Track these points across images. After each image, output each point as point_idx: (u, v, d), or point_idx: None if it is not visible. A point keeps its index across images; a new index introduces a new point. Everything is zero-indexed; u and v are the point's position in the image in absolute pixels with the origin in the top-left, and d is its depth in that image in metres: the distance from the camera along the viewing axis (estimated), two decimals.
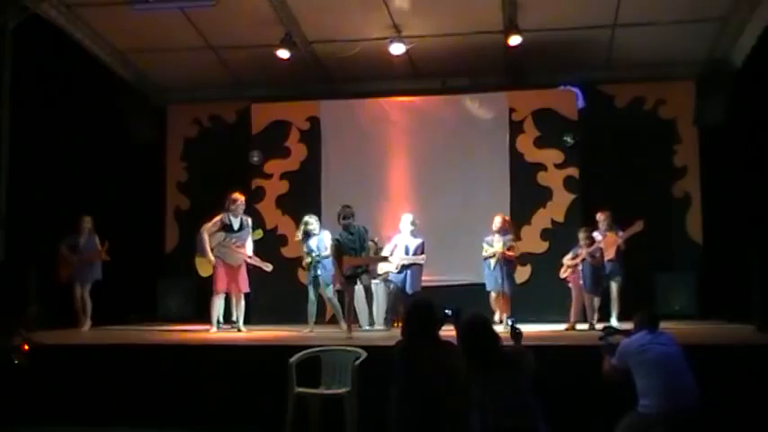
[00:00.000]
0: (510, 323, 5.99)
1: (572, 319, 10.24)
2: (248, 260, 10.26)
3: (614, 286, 10.17)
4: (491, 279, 10.36)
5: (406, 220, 10.57)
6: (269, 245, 11.75)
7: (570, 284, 10.37)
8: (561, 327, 10.23)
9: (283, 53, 11.53)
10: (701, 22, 11.19)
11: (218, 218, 10.24)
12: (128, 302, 11.99)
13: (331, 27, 11.45)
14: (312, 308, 10.35)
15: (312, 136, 12.80)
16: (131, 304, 12.14)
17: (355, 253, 9.82)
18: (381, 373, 5.47)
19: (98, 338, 9.71)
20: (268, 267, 10.41)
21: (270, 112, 12.96)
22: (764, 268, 8.85)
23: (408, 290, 10.16)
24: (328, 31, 11.61)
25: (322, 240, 10.34)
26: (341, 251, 9.77)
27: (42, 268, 10.51)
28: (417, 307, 5.44)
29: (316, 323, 10.35)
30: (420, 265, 10.37)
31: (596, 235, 10.20)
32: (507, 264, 10.27)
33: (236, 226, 10.23)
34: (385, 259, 10.31)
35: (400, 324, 10.19)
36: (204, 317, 10.51)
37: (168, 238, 13.38)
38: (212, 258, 10.06)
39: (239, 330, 10.15)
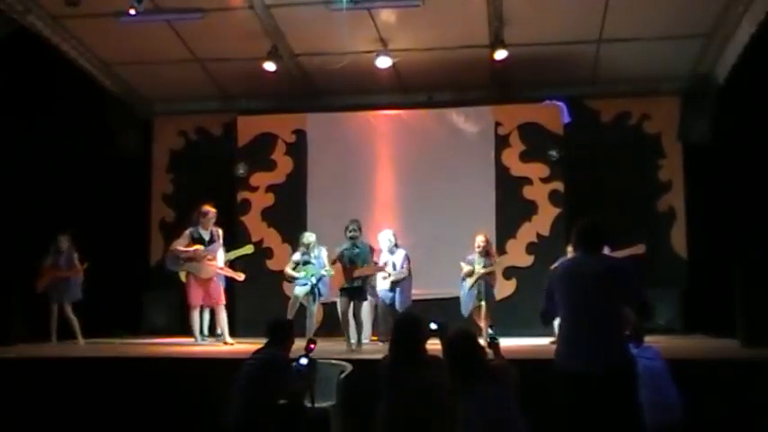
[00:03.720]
0: (490, 333, 5.97)
1: (557, 332, 10.23)
2: (220, 272, 10.23)
3: None
4: (466, 301, 10.27)
5: (384, 238, 10.54)
6: (254, 258, 11.74)
7: None
8: (546, 341, 10.24)
9: (270, 66, 11.54)
10: (685, 38, 11.27)
11: (186, 232, 10.25)
12: (112, 315, 11.91)
13: (317, 40, 11.47)
14: (295, 302, 10.30)
15: (298, 149, 12.80)
16: (116, 317, 12.06)
17: (355, 267, 9.77)
18: (367, 387, 5.46)
19: (82, 351, 9.66)
20: (240, 277, 10.41)
21: (256, 124, 12.96)
22: (749, 283, 8.89)
23: (398, 307, 10.11)
24: (315, 44, 11.62)
25: (321, 257, 10.31)
26: (342, 263, 9.80)
27: (27, 281, 10.47)
28: (404, 323, 5.43)
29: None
30: (407, 280, 10.35)
31: None
32: (486, 285, 10.23)
33: (206, 238, 10.23)
34: (382, 269, 10.23)
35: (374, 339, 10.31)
36: (189, 330, 10.47)
37: (153, 251, 13.32)
38: (186, 254, 10.10)
39: (225, 343, 10.09)
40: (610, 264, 5.04)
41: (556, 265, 10.06)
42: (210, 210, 10.31)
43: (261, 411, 5.85)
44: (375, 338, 10.64)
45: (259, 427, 5.84)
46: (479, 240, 10.26)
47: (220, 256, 10.35)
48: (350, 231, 9.86)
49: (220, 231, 10.47)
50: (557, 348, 5.12)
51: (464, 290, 10.25)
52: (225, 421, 5.94)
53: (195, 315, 10.27)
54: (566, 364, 4.98)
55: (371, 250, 10.09)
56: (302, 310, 10.40)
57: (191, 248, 10.10)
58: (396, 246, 10.51)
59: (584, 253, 5.09)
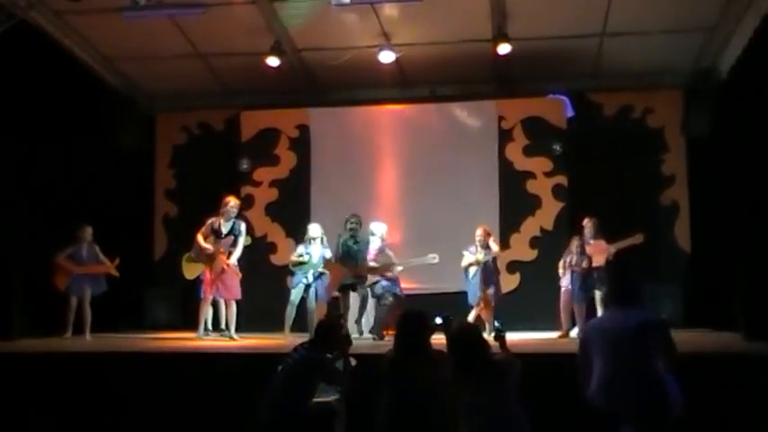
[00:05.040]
0: (496, 326, 5.97)
1: (564, 326, 10.28)
2: (225, 267, 10.08)
3: (598, 295, 10.13)
4: (472, 290, 10.36)
5: (380, 229, 10.60)
6: (258, 252, 11.76)
7: (561, 290, 10.42)
8: (551, 334, 10.27)
9: (273, 61, 11.53)
10: (688, 32, 11.26)
11: (208, 222, 10.23)
12: (115, 310, 11.91)
13: (320, 35, 11.46)
14: (291, 311, 10.34)
15: (301, 144, 12.82)
16: (119, 312, 12.06)
17: (355, 263, 9.94)
18: (371, 381, 5.47)
19: (85, 346, 9.67)
20: (238, 275, 10.39)
21: (259, 119, 12.97)
22: (751, 276, 8.89)
23: (400, 294, 10.24)
24: (318, 38, 11.62)
25: (323, 255, 10.36)
26: (341, 255, 9.87)
27: (29, 276, 10.46)
28: (409, 318, 5.44)
29: (295, 331, 10.33)
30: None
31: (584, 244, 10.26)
32: (493, 269, 10.34)
33: (224, 230, 10.16)
34: (383, 270, 10.28)
35: (391, 333, 10.33)
36: (192, 324, 10.47)
37: (157, 246, 13.33)
38: (208, 250, 10.03)
39: (231, 338, 10.07)
40: (641, 319, 5.09)
41: (563, 274, 10.18)
42: (230, 199, 10.24)
43: (293, 410, 5.83)
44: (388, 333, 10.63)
45: (290, 426, 5.83)
46: (478, 234, 10.34)
47: (237, 252, 10.22)
48: (350, 224, 9.98)
49: (243, 226, 10.36)
50: (592, 389, 5.13)
51: (468, 279, 10.31)
52: (259, 417, 5.92)
53: (204, 307, 10.21)
54: (600, 402, 5.06)
55: (367, 244, 10.16)
56: (302, 305, 10.51)
57: (207, 246, 10.05)
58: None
59: (615, 309, 5.24)
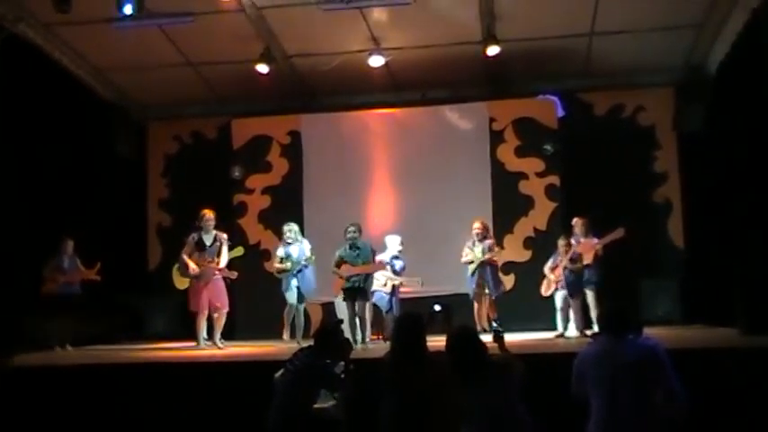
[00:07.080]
0: (494, 326, 5.95)
1: (561, 326, 10.29)
2: (217, 273, 10.16)
3: (590, 294, 10.08)
4: (471, 287, 10.34)
5: (394, 242, 10.51)
6: (251, 260, 11.73)
7: (556, 295, 10.39)
8: (547, 334, 10.26)
9: (263, 68, 11.52)
10: (676, 30, 11.28)
11: (189, 239, 10.25)
12: (112, 322, 11.88)
13: (310, 41, 11.47)
14: (291, 313, 10.30)
15: (293, 150, 12.84)
16: (116, 323, 12.03)
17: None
18: (369, 387, 5.46)
19: (81, 358, 9.64)
20: (233, 275, 10.36)
21: (251, 127, 12.98)
22: (747, 271, 8.90)
23: (395, 311, 10.09)
24: (307, 44, 11.62)
25: (302, 249, 10.31)
26: (340, 265, 9.80)
27: (24, 286, 10.42)
28: (405, 321, 5.44)
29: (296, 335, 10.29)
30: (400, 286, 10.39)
31: (572, 242, 10.25)
32: (491, 267, 10.30)
33: (208, 242, 10.21)
34: (381, 267, 10.19)
35: (379, 337, 10.30)
36: (190, 334, 10.45)
37: (151, 256, 13.31)
38: (194, 271, 10.06)
39: (216, 346, 10.12)
40: (640, 350, 4.93)
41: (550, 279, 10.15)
42: (206, 213, 10.30)
43: (296, 418, 5.82)
44: (375, 337, 10.61)
45: None
46: (475, 226, 10.30)
47: (223, 259, 10.27)
48: (348, 233, 9.87)
49: (225, 236, 10.41)
50: (587, 429, 4.97)
51: (469, 275, 10.28)
52: (265, 425, 5.91)
53: (201, 320, 10.23)
54: None
55: (373, 251, 10.05)
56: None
57: (193, 266, 10.07)
58: (400, 253, 10.49)
59: (611, 338, 5.01)
